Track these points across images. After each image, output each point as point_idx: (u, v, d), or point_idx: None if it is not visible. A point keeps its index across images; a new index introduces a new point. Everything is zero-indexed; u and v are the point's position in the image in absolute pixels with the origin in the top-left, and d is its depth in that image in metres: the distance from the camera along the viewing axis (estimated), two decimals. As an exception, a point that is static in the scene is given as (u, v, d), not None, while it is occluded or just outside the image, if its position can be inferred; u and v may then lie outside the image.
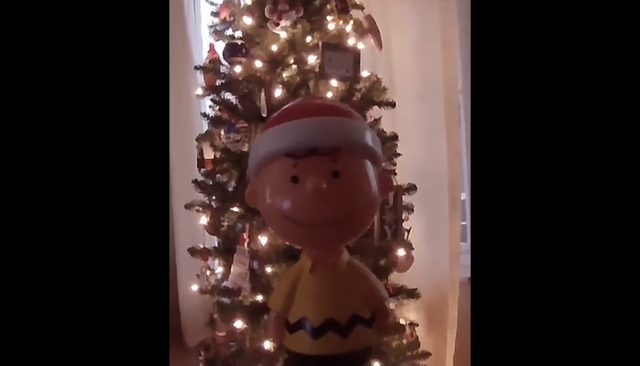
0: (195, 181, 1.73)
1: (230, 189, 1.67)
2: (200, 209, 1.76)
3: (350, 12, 1.70)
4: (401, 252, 1.63)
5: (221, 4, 1.81)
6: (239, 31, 1.72)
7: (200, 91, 1.79)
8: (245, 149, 1.58)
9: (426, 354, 1.74)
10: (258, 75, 1.63)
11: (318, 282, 1.09)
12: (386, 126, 1.78)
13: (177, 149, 2.26)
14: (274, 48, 1.63)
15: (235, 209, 1.61)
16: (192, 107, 2.46)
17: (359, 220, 1.08)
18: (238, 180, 1.64)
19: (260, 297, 1.54)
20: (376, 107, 1.71)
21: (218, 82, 1.74)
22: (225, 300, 1.62)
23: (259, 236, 1.52)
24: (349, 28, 1.70)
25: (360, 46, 1.70)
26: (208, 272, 1.76)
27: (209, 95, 1.76)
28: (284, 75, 1.62)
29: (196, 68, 1.84)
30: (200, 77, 1.89)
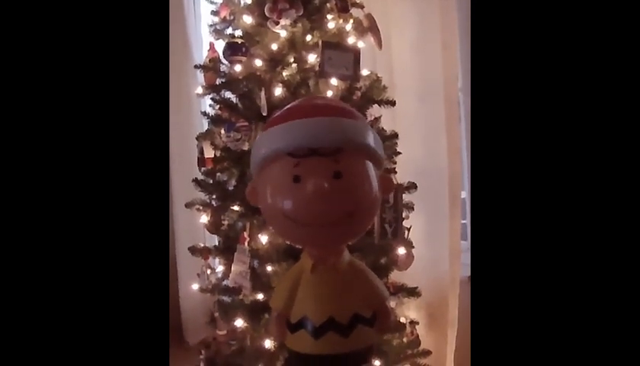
0: (195, 180, 1.73)
1: (230, 188, 1.67)
2: (201, 208, 1.76)
3: (350, 11, 1.70)
4: (401, 251, 1.63)
5: (221, 3, 1.80)
6: (239, 30, 1.72)
7: (200, 90, 1.80)
8: (245, 147, 1.58)
9: (426, 353, 1.74)
10: (258, 73, 1.63)
11: (318, 282, 1.09)
12: (386, 124, 1.78)
13: (177, 147, 2.27)
14: (274, 47, 1.63)
15: (236, 208, 1.61)
16: (192, 106, 2.47)
17: (360, 221, 1.08)
18: (238, 179, 1.64)
19: (260, 296, 1.54)
20: (376, 105, 1.71)
21: (218, 81, 1.74)
22: (226, 298, 1.62)
23: (259, 235, 1.52)
24: (349, 27, 1.70)
25: (360, 44, 1.70)
26: (208, 271, 1.76)
27: (209, 94, 1.76)
28: (284, 73, 1.62)
29: (196, 67, 1.83)
30: (200, 76, 1.89)
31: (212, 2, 1.87)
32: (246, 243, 1.56)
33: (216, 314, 1.68)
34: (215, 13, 1.83)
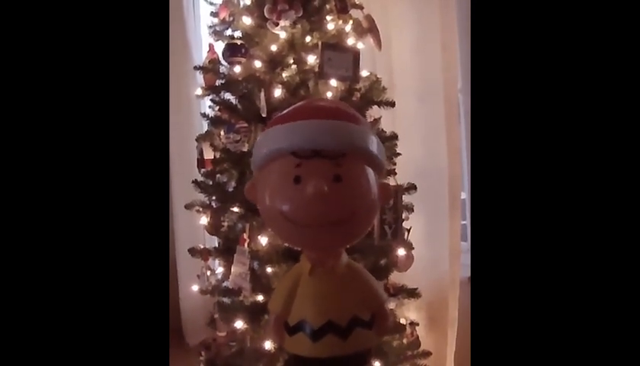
0: (195, 182, 1.73)
1: (230, 189, 1.67)
2: (200, 209, 1.76)
3: (350, 12, 1.70)
4: (401, 252, 1.63)
5: (220, 5, 1.81)
6: (239, 31, 1.72)
7: (199, 92, 1.80)
8: (245, 149, 1.58)
9: (426, 354, 1.74)
10: (258, 75, 1.63)
11: (317, 284, 1.09)
12: (386, 125, 1.78)
13: (177, 149, 2.26)
14: (274, 48, 1.64)
15: (235, 209, 1.61)
16: (192, 107, 2.47)
17: (358, 224, 1.08)
18: (238, 180, 1.64)
19: (260, 297, 1.54)
20: (376, 106, 1.71)
21: (217, 82, 1.74)
22: (226, 300, 1.62)
23: (259, 236, 1.52)
24: (348, 28, 1.70)
25: (360, 45, 1.70)
26: (208, 272, 1.76)
27: (208, 95, 1.76)
28: (284, 75, 1.62)
29: (195, 68, 1.84)
30: (199, 77, 1.89)
31: (211, 3, 1.87)
32: (246, 244, 1.55)
33: (216, 315, 1.68)
34: (214, 14, 1.83)
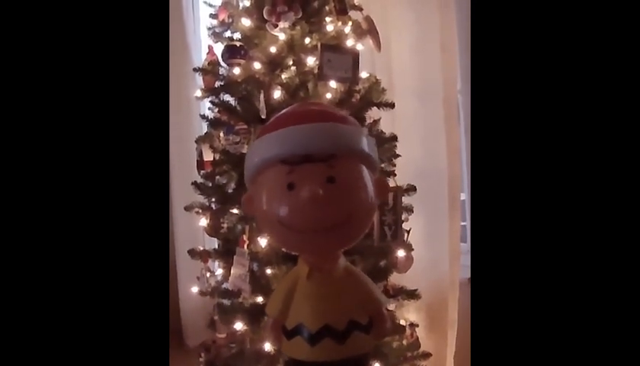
0: (194, 183, 1.73)
1: (230, 191, 1.67)
2: (200, 211, 1.76)
3: (349, 13, 1.70)
4: (400, 253, 1.63)
5: (219, 6, 1.81)
6: (238, 33, 1.72)
7: (199, 93, 1.79)
8: (245, 150, 1.58)
9: (426, 355, 1.74)
10: (257, 76, 1.63)
11: (314, 288, 1.09)
12: (385, 126, 1.77)
13: (176, 150, 2.26)
14: (273, 49, 1.63)
15: (235, 211, 1.61)
16: (191, 109, 2.46)
17: (355, 226, 1.08)
18: (237, 182, 1.64)
19: (260, 299, 1.53)
20: (375, 108, 1.71)
21: (217, 84, 1.74)
22: (226, 301, 1.62)
23: (259, 238, 1.52)
24: (348, 29, 1.70)
25: (359, 47, 1.69)
26: (208, 274, 1.76)
27: (208, 97, 1.76)
28: (283, 76, 1.62)
29: (195, 70, 1.84)
30: (199, 79, 1.89)
31: (210, 5, 1.87)
32: (245, 246, 1.55)
33: (216, 317, 1.68)
34: (214, 16, 1.83)
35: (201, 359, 1.74)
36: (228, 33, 1.78)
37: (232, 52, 1.65)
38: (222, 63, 1.71)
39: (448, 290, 2.09)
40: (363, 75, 1.71)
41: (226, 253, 1.65)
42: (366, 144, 1.08)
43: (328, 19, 1.69)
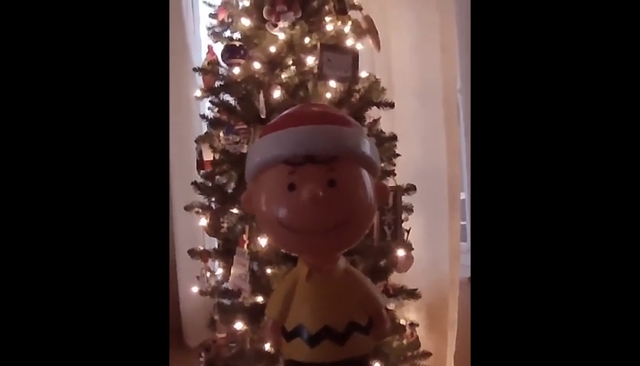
0: (194, 183, 1.73)
1: (229, 191, 1.67)
2: (200, 210, 1.76)
3: (349, 13, 1.70)
4: (400, 253, 1.63)
5: (219, 6, 1.81)
6: (237, 33, 1.72)
7: (198, 93, 1.80)
8: (244, 150, 1.58)
9: (426, 355, 1.74)
10: (257, 76, 1.63)
11: (314, 289, 1.09)
12: (385, 126, 1.77)
13: (176, 150, 2.26)
14: (273, 49, 1.63)
15: (235, 210, 1.61)
16: (191, 108, 2.46)
17: (355, 228, 1.08)
18: (237, 181, 1.64)
19: (260, 299, 1.54)
20: (375, 107, 1.71)
21: (217, 84, 1.74)
22: (226, 301, 1.62)
23: (259, 238, 1.52)
24: (347, 29, 1.70)
25: (359, 46, 1.69)
26: (208, 274, 1.76)
27: (208, 97, 1.76)
28: (283, 76, 1.62)
29: (194, 70, 1.84)
30: (198, 79, 1.89)
31: (210, 5, 1.87)
32: (245, 246, 1.55)
33: (216, 317, 1.68)
34: (213, 16, 1.83)
35: (201, 359, 1.74)
36: (227, 33, 1.78)
37: (231, 52, 1.65)
38: (222, 63, 1.71)
39: (448, 290, 2.09)
40: (363, 74, 1.71)
41: (226, 253, 1.65)
42: (367, 147, 1.08)
43: (327, 19, 1.69)
